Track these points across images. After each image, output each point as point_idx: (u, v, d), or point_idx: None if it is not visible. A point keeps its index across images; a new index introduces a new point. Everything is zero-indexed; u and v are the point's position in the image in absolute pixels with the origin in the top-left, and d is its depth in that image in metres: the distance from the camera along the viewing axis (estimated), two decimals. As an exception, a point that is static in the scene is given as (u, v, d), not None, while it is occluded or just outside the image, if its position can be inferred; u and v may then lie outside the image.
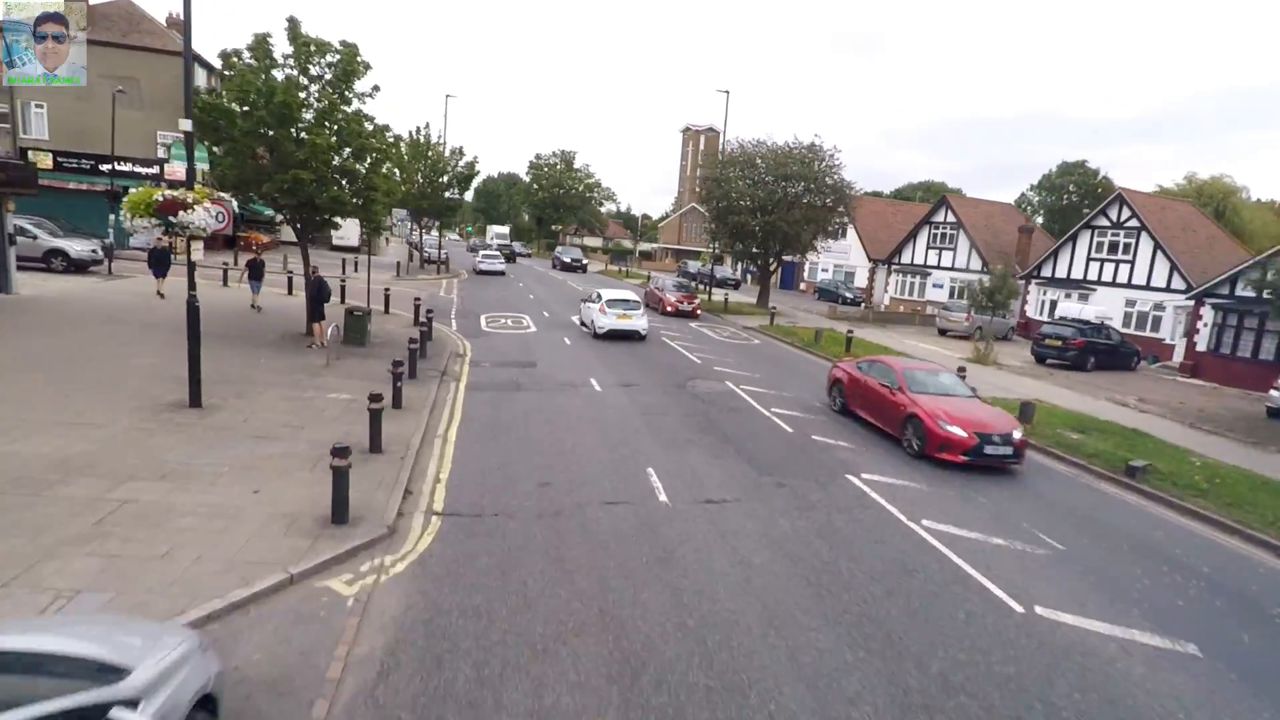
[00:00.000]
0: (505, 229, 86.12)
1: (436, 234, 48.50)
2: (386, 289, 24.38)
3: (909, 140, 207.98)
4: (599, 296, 24.57)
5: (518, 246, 76.99)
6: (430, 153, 41.35)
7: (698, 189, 34.32)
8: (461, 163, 42.58)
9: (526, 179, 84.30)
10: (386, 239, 68.25)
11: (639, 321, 23.62)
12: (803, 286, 54.16)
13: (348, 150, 16.38)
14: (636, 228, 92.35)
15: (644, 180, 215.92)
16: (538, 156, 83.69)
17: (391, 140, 17.78)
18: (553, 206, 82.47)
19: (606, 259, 78.74)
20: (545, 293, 37.70)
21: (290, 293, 25.32)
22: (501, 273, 47.35)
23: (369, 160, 17.13)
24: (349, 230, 52.40)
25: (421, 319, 19.91)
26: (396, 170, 12.23)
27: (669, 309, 31.49)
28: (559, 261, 59.03)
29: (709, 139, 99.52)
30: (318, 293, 16.57)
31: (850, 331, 25.46)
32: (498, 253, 52.32)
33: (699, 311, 32.26)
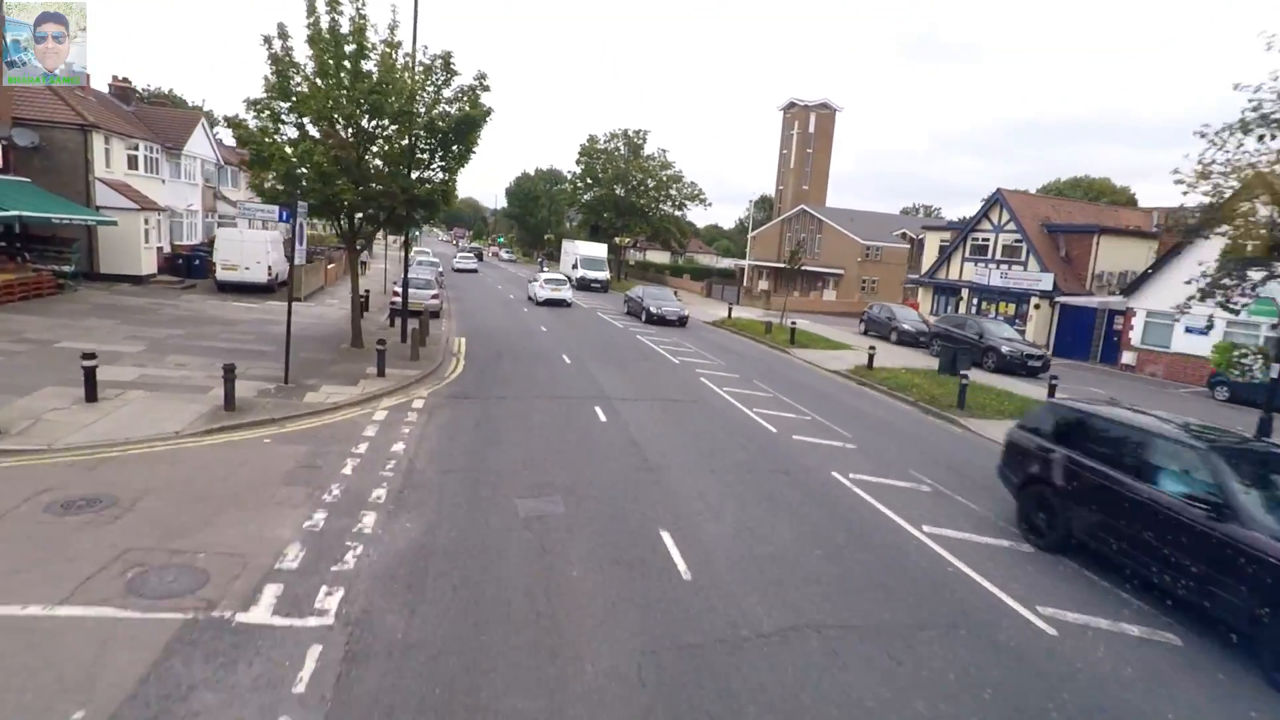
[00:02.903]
0: (600, 250, 50.72)
1: (401, 250, 23.58)
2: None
3: (959, 144, 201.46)
4: (537, 277, 37.69)
5: (661, 301, 31.00)
6: (373, 62, 16.40)
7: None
8: (452, 87, 17.51)
9: (577, 170, 59.10)
10: (364, 263, 43.34)
11: (565, 293, 34.84)
12: (1129, 359, 27.50)
13: None
14: (748, 232, 65.67)
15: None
16: (590, 139, 58.74)
17: None
18: (613, 209, 57.36)
19: (703, 288, 53.16)
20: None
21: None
22: (474, 270, 54.50)
23: None
24: (238, 251, 27.71)
25: None
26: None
27: None
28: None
29: (821, 117, 73.50)
30: None
31: None
32: (470, 253, 58.55)
33: None
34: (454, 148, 17.73)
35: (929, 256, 41.42)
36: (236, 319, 21.22)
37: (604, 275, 47.44)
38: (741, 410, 15.45)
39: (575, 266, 47.77)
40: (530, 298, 36.03)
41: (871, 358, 21.26)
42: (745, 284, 70.92)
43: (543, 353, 20.96)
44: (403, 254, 23.24)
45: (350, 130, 16.58)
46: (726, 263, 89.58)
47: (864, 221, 67.74)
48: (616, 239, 56.81)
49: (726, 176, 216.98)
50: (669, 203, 58.58)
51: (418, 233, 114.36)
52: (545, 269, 52.06)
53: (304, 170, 15.56)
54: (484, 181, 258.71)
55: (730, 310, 33.66)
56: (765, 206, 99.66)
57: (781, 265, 68.13)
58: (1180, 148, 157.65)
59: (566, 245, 54.38)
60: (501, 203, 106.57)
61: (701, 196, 58.07)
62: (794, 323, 27.33)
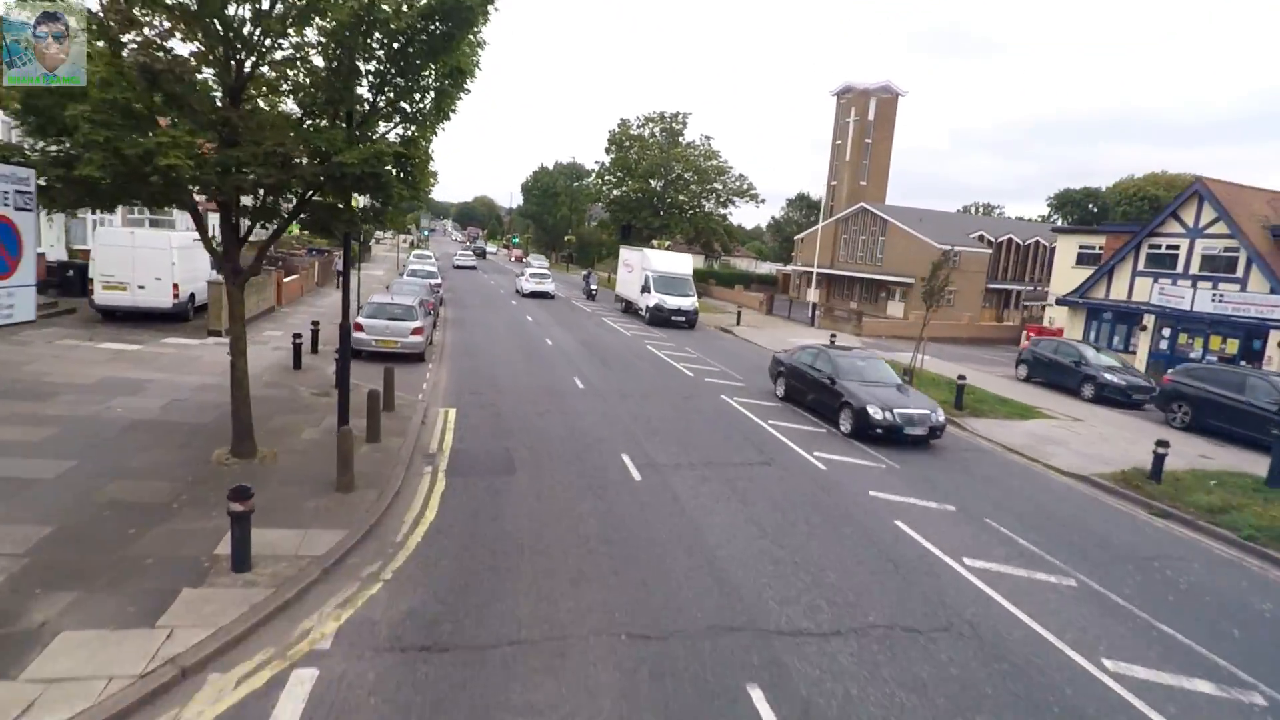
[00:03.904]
0: (683, 265, 33.59)
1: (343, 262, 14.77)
2: None
3: (979, 141, 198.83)
4: (523, 271, 40.87)
5: (882, 389, 14.54)
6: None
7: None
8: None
9: (606, 160, 50.16)
10: (337, 272, 33.94)
11: (549, 285, 38.58)
12: None
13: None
14: (812, 228, 56.49)
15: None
16: (622, 124, 49.93)
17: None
18: (649, 207, 48.56)
19: (762, 302, 44.12)
20: None
21: None
22: (473, 268, 56.34)
23: None
24: (126, 262, 17.84)
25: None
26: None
27: None
28: None
29: (882, 103, 64.22)
30: None
31: None
32: (470, 252, 64.61)
33: None
34: (425, 74, 9.00)
35: (1062, 268, 32.24)
36: (70, 382, 12.57)
37: (691, 303, 31.13)
38: (1088, 672, 6.53)
39: (646, 290, 31.53)
40: (517, 290, 39.32)
41: (1161, 460, 12.15)
42: (792, 294, 61.89)
43: (588, 449, 12.12)
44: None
45: (195, 32, 7.87)
46: (766, 267, 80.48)
47: (935, 222, 58.57)
48: (655, 242, 47.99)
49: (746, 174, 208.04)
50: (712, 198, 49.58)
51: (427, 232, 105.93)
52: (593, 282, 41.77)
53: (79, 108, 6.84)
54: (499, 179, 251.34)
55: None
56: (801, 205, 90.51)
57: (839, 272, 59.11)
58: (1204, 147, 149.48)
59: (629, 255, 36.57)
60: (518, 200, 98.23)
61: (752, 192, 49.13)
62: (962, 378, 17.95)
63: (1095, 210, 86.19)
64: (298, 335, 15.52)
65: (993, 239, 58.69)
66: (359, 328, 17.41)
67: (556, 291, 40.34)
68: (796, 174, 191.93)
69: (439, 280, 31.31)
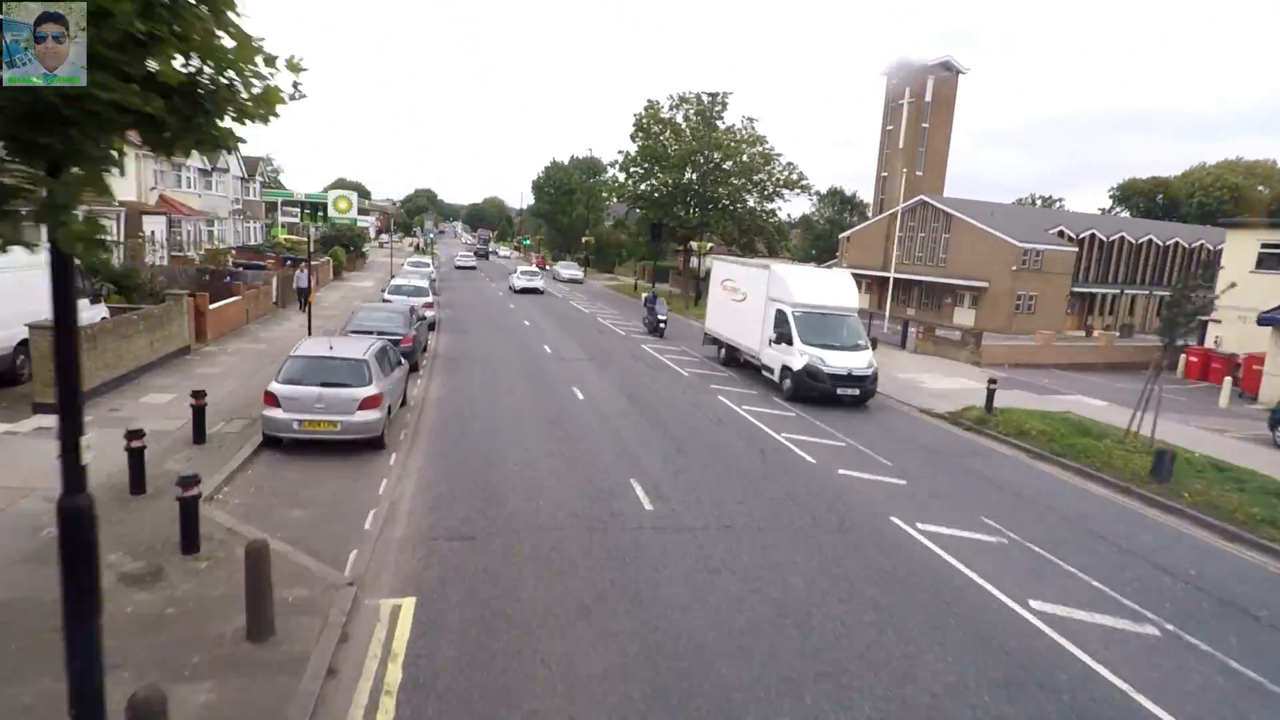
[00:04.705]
0: (843, 292, 18.26)
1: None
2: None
3: (1000, 140, 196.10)
4: (515, 269, 44.61)
5: None
6: None
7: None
8: None
9: (632, 148, 42.82)
10: (304, 291, 25.95)
11: (538, 282, 40.77)
12: None
13: None
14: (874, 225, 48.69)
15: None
16: (650, 106, 42.62)
17: None
18: (682, 203, 41.34)
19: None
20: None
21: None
22: (473, 268, 56.94)
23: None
24: None
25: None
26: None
27: None
28: None
29: (940, 83, 56.56)
30: None
31: None
32: (470, 252, 65.65)
33: None
34: None
35: (1235, 273, 24.81)
36: None
37: (867, 359, 16.90)
38: None
39: (784, 337, 17.40)
40: (510, 288, 41.22)
41: None
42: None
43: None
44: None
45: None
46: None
47: (1008, 216, 51.23)
48: (693, 244, 40.70)
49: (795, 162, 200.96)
50: (756, 191, 42.29)
51: (432, 234, 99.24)
52: (660, 311, 27.31)
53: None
54: (509, 179, 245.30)
55: (990, 399, 16.67)
56: (834, 200, 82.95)
57: (898, 274, 51.68)
58: (1225, 141, 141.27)
59: (735, 272, 21.93)
60: (529, 200, 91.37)
61: (804, 183, 41.82)
62: None
63: (1164, 202, 78.28)
64: (136, 433, 8.42)
65: (1073, 235, 51.12)
66: (272, 400, 10.42)
67: (558, 293, 42.36)
68: (821, 171, 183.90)
69: (432, 298, 24.12)
